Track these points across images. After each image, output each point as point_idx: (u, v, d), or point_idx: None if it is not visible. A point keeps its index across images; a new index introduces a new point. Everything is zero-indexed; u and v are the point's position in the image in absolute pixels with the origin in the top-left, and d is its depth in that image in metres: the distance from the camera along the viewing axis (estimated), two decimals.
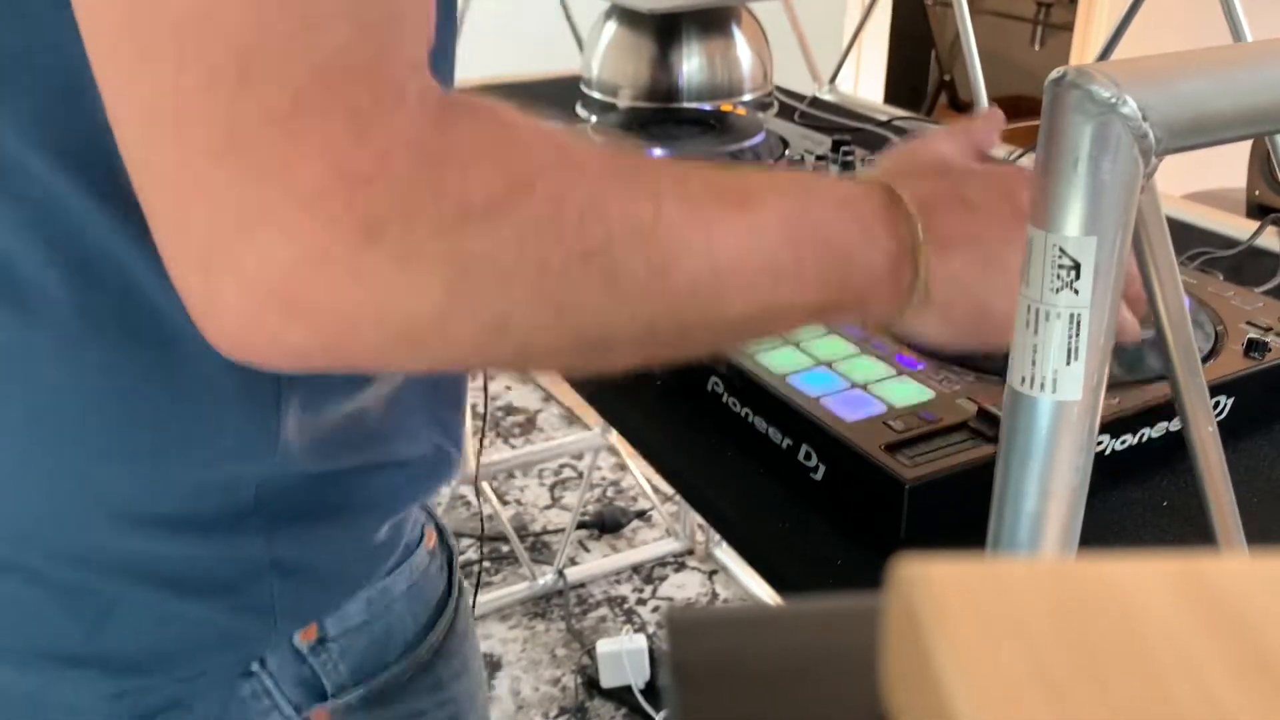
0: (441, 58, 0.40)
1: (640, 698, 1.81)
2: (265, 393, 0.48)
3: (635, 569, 2.15)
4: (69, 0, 0.35)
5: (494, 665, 1.91)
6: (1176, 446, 0.60)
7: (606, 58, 1.30)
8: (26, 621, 0.50)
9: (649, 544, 2.20)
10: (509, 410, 2.68)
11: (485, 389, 2.06)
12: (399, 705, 0.60)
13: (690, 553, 2.20)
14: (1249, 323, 0.72)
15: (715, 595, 2.11)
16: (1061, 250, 0.37)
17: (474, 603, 1.88)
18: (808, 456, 0.65)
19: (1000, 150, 1.27)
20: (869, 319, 0.55)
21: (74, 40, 0.35)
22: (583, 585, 2.10)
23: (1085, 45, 3.11)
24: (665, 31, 1.24)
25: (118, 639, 0.51)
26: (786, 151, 1.16)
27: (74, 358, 0.46)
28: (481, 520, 1.93)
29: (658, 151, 1.12)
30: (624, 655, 1.82)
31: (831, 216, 0.46)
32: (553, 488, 2.38)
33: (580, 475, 2.38)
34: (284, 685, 0.54)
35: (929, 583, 0.15)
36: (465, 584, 0.68)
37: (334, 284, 0.34)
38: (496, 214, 0.36)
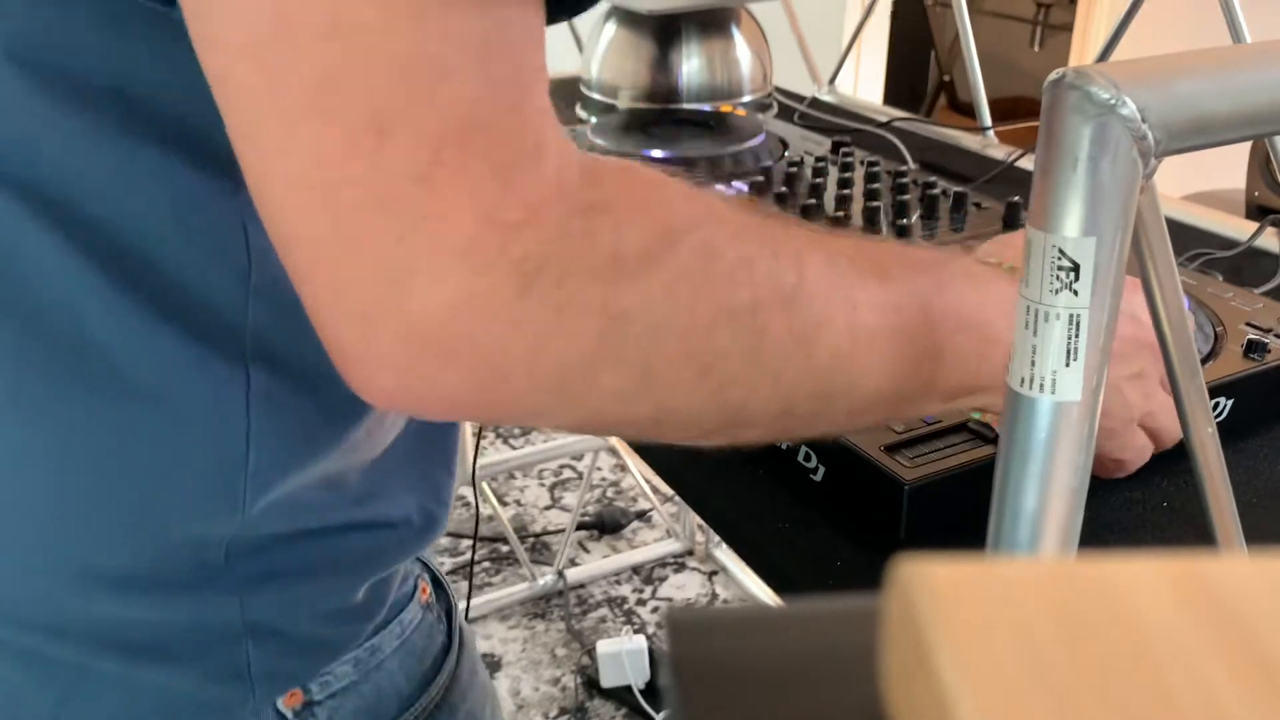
0: None
1: (640, 698, 1.81)
2: (231, 453, 0.46)
3: (635, 569, 2.15)
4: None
5: (494, 665, 1.91)
6: (1176, 447, 0.60)
7: (606, 59, 1.30)
8: None
9: (649, 544, 2.20)
10: None
11: None
12: None
13: (690, 553, 2.20)
14: (1248, 324, 0.72)
15: (715, 596, 2.11)
16: (1061, 251, 0.37)
17: (468, 606, 1.88)
18: (807, 457, 0.65)
19: (999, 151, 1.27)
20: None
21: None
22: (583, 586, 2.10)
23: (1085, 46, 3.11)
24: (665, 32, 1.24)
25: (88, 711, 0.48)
26: (786, 152, 1.17)
27: (27, 415, 0.44)
28: (477, 519, 1.93)
29: (657, 153, 1.12)
30: (624, 655, 1.82)
31: (971, 299, 0.46)
32: (552, 488, 2.38)
33: (580, 476, 2.38)
34: None
35: (929, 583, 0.15)
36: (468, 632, 0.65)
37: (490, 329, 0.35)
38: (648, 265, 0.37)
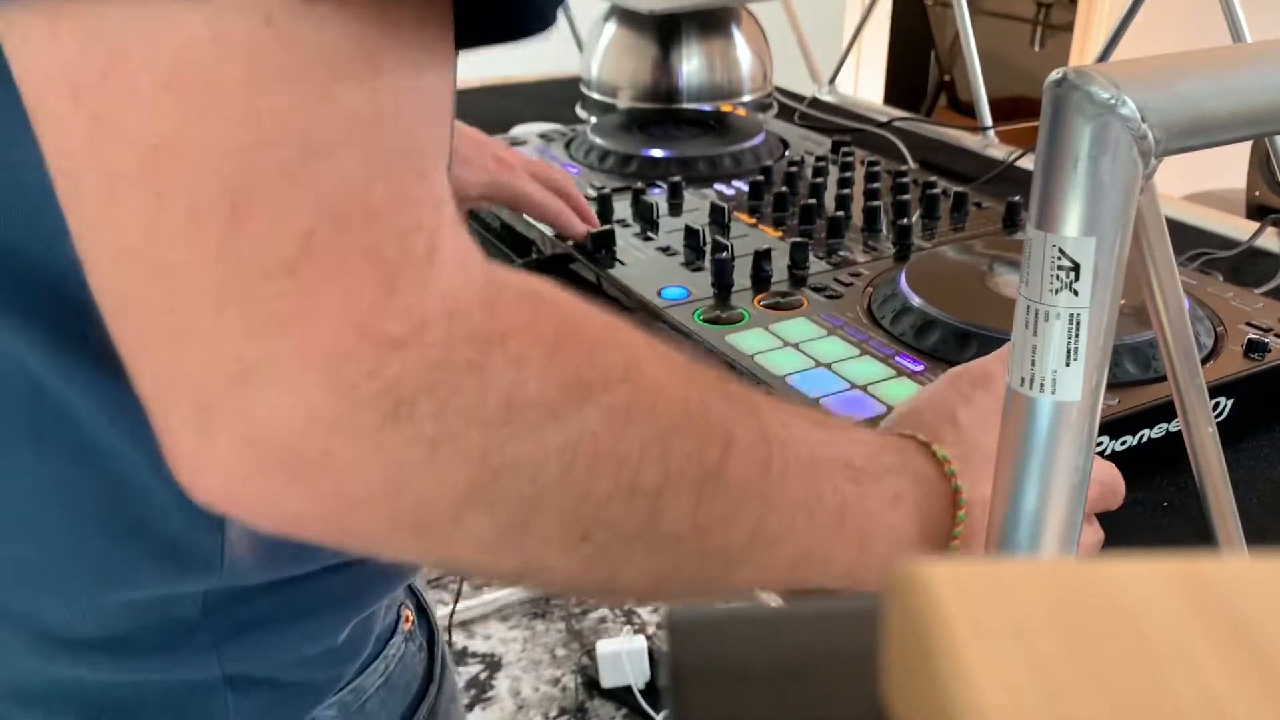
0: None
1: (640, 698, 1.81)
2: (207, 513, 0.43)
3: None
4: None
5: (494, 665, 1.91)
6: (1176, 447, 0.60)
7: (606, 59, 1.30)
8: None
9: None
10: None
11: None
12: None
13: None
14: (1249, 324, 0.72)
15: None
16: (1061, 251, 0.37)
17: (453, 610, 1.88)
18: None
19: (999, 151, 1.27)
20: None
21: None
22: None
23: (1085, 46, 3.11)
24: (665, 32, 1.24)
25: None
26: (786, 152, 1.17)
27: None
28: None
29: (657, 152, 1.12)
30: (624, 655, 1.82)
31: (881, 491, 0.43)
32: None
33: None
34: None
35: (929, 583, 0.15)
36: (449, 656, 0.62)
37: (346, 453, 0.30)
38: (546, 420, 0.32)
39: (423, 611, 0.60)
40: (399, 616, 0.56)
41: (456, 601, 1.86)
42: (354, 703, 0.52)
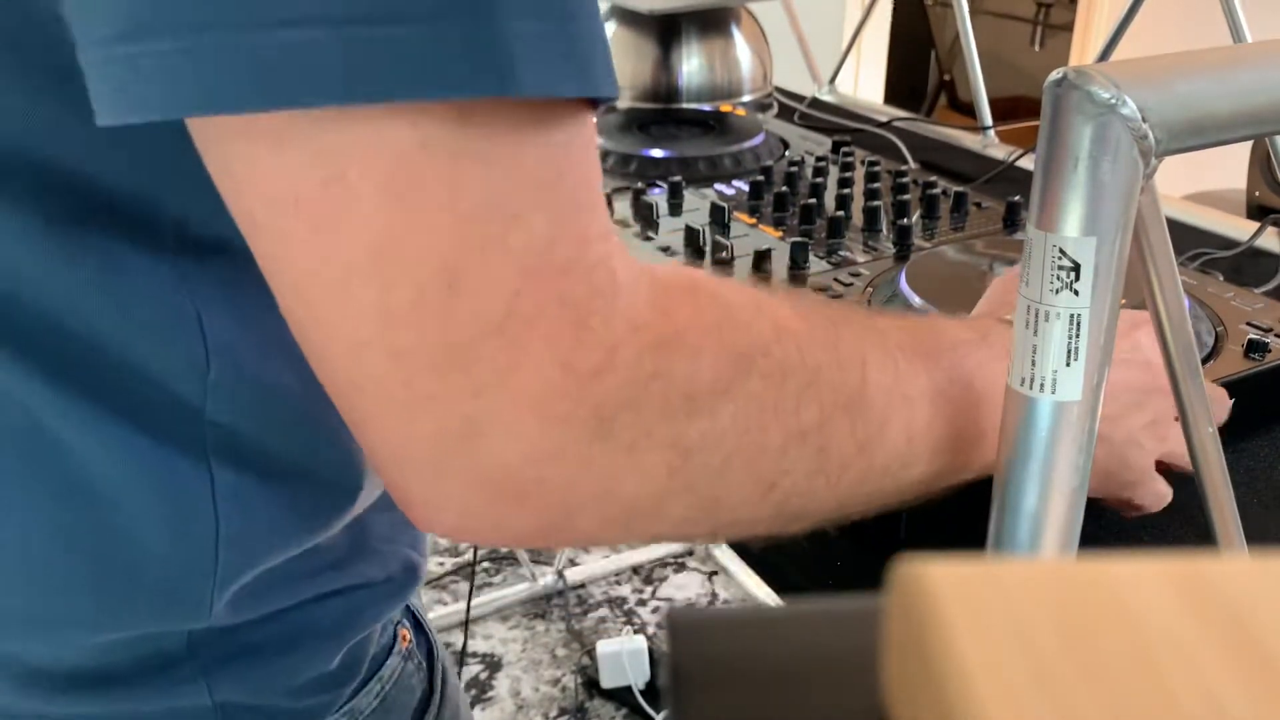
0: None
1: (640, 698, 1.81)
2: (198, 556, 0.43)
3: (635, 570, 2.15)
4: None
5: (494, 665, 1.91)
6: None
7: None
8: None
9: (649, 545, 2.21)
10: None
11: None
12: None
13: (690, 553, 2.19)
14: (1249, 323, 0.72)
15: (715, 596, 2.11)
16: (1061, 251, 0.37)
17: (468, 608, 1.88)
18: None
19: (999, 151, 1.27)
20: None
21: None
22: (583, 586, 2.10)
23: (1085, 46, 3.11)
24: (665, 32, 1.24)
25: None
26: (786, 152, 1.17)
27: None
28: None
29: (657, 152, 1.12)
30: (624, 655, 1.82)
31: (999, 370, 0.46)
32: None
33: None
34: None
35: (929, 583, 0.15)
36: (451, 672, 0.61)
37: (564, 475, 0.34)
38: (720, 396, 0.36)
39: (421, 629, 0.60)
40: (395, 636, 0.56)
41: (470, 599, 1.86)
42: None
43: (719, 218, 0.94)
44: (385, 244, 0.31)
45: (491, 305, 0.31)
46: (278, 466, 0.44)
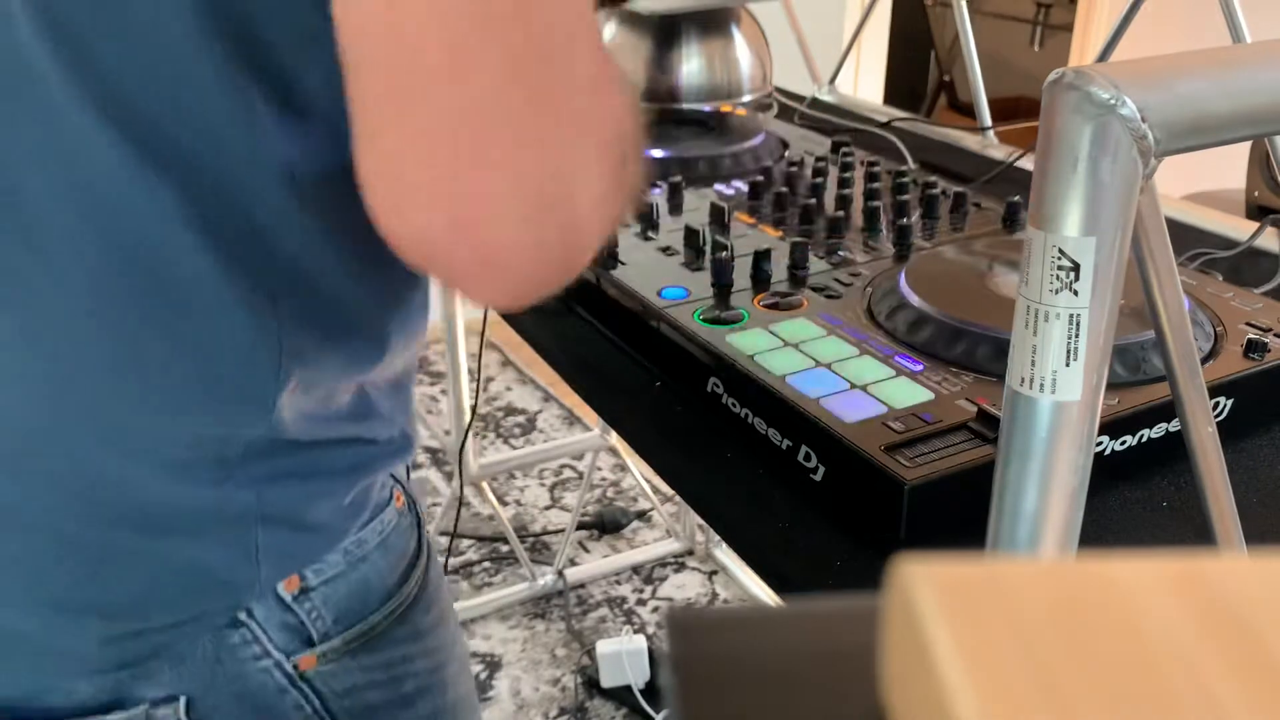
0: None
1: (640, 698, 1.81)
2: (267, 364, 0.51)
3: (635, 569, 2.15)
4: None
5: (494, 665, 1.91)
6: (1176, 447, 0.60)
7: None
8: (26, 567, 0.52)
9: (649, 544, 2.20)
10: (509, 411, 2.68)
11: (478, 388, 2.06)
12: (381, 652, 0.64)
13: (690, 553, 2.20)
14: (1248, 323, 0.72)
15: (715, 595, 2.11)
16: (1061, 251, 0.37)
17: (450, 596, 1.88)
18: (808, 457, 0.65)
19: (999, 151, 1.27)
20: None
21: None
22: (583, 586, 2.10)
23: (1085, 46, 3.11)
24: (665, 32, 1.24)
25: (111, 584, 0.53)
26: (786, 152, 1.17)
27: (78, 292, 0.48)
28: (458, 515, 1.93)
29: (657, 153, 1.12)
30: (624, 655, 1.82)
31: None
32: (553, 488, 2.38)
33: (580, 475, 2.38)
34: (271, 633, 0.58)
35: (928, 583, 0.15)
36: (433, 542, 0.71)
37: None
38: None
39: (411, 503, 0.69)
40: (392, 495, 0.65)
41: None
42: (356, 552, 0.61)
43: (719, 218, 0.94)
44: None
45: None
46: (330, 307, 0.53)
